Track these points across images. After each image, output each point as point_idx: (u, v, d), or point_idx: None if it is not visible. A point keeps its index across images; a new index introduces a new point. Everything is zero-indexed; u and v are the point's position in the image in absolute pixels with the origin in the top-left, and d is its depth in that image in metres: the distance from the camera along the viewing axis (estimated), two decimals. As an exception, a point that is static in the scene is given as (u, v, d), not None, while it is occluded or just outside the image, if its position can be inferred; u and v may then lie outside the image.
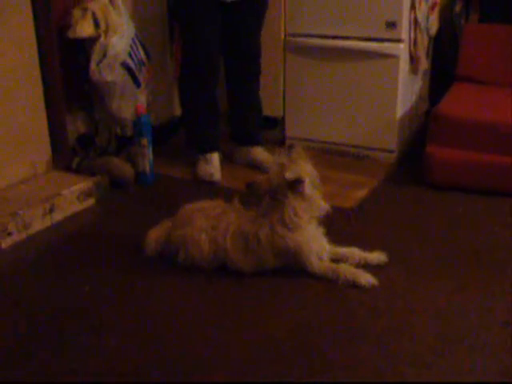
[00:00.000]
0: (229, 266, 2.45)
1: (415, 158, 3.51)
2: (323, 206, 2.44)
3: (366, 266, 2.47)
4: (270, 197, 2.40)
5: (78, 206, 3.06)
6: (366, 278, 2.39)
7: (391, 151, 3.62)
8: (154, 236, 2.58)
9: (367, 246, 2.57)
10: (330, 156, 3.68)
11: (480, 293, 2.35)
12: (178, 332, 2.15)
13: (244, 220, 2.45)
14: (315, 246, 2.43)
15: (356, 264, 2.48)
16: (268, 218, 2.40)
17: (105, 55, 3.15)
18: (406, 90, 3.64)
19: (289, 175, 2.32)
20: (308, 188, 2.37)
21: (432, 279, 2.44)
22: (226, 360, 2.00)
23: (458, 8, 4.12)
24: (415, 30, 3.55)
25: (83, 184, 3.09)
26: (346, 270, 2.41)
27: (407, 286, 2.40)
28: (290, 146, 2.45)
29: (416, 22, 3.53)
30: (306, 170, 2.39)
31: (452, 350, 2.03)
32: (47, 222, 2.90)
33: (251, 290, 2.38)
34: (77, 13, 3.10)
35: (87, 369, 1.97)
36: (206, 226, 2.46)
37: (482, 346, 2.05)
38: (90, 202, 3.12)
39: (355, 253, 2.52)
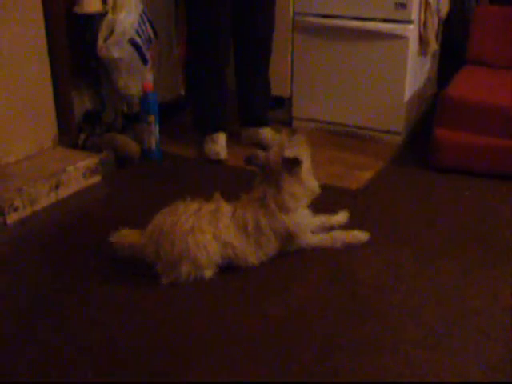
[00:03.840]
0: (235, 263, 2.36)
1: (422, 141, 3.49)
2: (316, 190, 2.46)
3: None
4: (264, 176, 2.39)
5: (84, 183, 3.06)
6: (359, 234, 2.54)
7: (398, 133, 3.60)
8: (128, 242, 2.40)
9: (372, 228, 2.58)
10: (336, 137, 3.66)
11: (485, 277, 2.35)
12: (178, 316, 2.17)
13: (240, 209, 2.38)
14: (308, 222, 2.48)
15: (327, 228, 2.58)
16: (263, 202, 2.37)
17: (112, 31, 3.13)
18: (415, 72, 3.61)
19: (288, 153, 2.33)
20: (304, 172, 2.39)
21: (437, 262, 2.44)
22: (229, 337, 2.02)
23: (469, -11, 4.08)
24: (425, 11, 3.51)
25: (89, 161, 3.09)
26: (338, 234, 2.53)
27: (412, 267, 2.40)
28: (294, 130, 2.43)
29: (427, 3, 3.50)
30: (304, 154, 2.40)
31: (455, 334, 2.03)
32: (53, 198, 2.90)
33: (251, 276, 2.36)
34: (84, -12, 3.08)
35: (88, 343, 1.99)
36: (206, 226, 2.30)
37: (486, 330, 2.04)
38: (96, 178, 3.12)
39: (322, 219, 2.59)
